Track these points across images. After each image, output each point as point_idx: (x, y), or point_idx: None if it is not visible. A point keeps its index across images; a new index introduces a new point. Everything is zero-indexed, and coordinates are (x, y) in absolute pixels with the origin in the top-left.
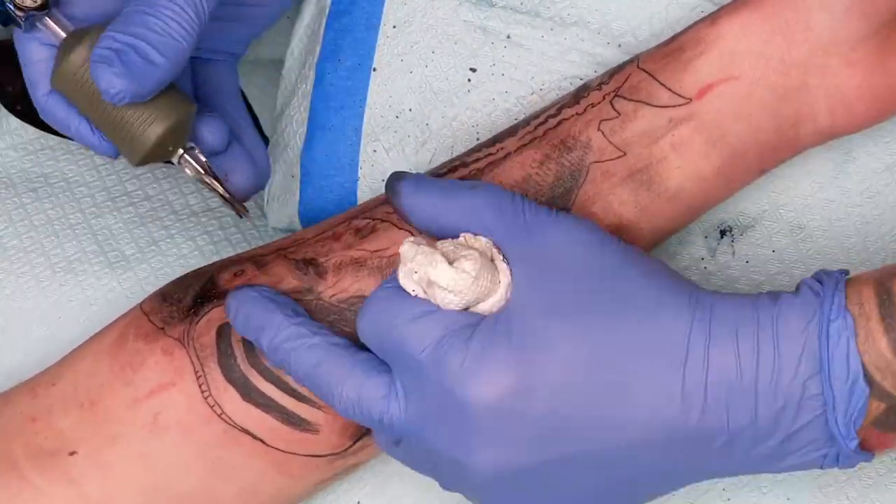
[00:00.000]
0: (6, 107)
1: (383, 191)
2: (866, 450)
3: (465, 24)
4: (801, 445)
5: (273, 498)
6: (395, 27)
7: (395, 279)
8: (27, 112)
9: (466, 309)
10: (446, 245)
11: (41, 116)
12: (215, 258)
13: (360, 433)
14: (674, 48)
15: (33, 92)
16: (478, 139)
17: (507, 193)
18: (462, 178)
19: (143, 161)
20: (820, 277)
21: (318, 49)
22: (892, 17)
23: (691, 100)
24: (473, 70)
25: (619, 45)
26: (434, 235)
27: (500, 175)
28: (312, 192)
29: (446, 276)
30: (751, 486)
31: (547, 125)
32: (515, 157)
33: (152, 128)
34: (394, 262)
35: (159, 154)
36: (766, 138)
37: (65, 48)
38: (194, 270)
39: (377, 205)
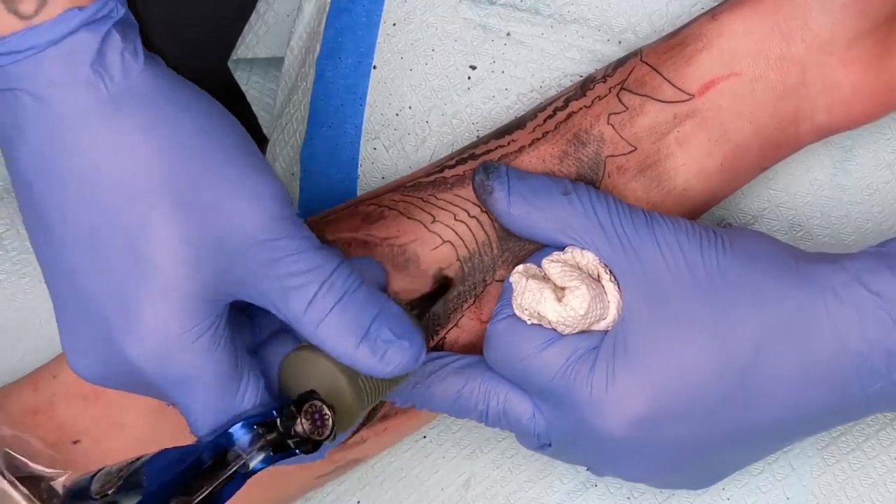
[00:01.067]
0: None
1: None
2: None
3: (465, 21)
4: None
5: (272, 488)
6: (395, 25)
7: (508, 307)
8: None
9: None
10: (554, 268)
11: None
12: None
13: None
14: (676, 42)
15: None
16: (478, 137)
17: (601, 201)
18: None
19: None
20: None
21: (318, 46)
22: (889, 15)
23: (693, 96)
24: (473, 67)
25: (620, 42)
26: (531, 240)
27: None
28: (312, 190)
29: (555, 313)
30: (750, 485)
31: (556, 118)
32: (532, 152)
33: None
34: (405, 250)
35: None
36: (767, 135)
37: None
38: None
39: (383, 192)
